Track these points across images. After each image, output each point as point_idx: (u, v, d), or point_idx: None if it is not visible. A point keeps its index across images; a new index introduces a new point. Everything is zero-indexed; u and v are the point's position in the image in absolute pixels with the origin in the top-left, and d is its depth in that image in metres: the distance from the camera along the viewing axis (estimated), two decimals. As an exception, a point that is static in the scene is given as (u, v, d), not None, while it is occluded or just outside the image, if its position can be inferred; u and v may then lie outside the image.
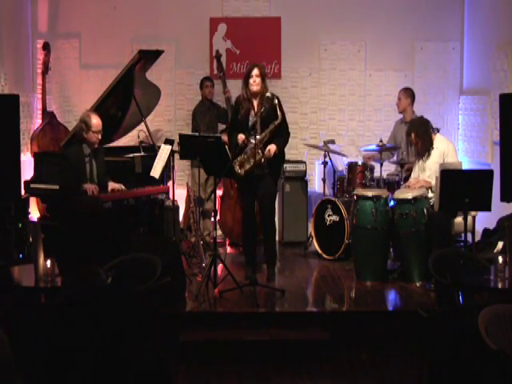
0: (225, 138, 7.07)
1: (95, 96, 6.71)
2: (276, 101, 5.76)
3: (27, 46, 7.82)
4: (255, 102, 5.87)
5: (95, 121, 5.85)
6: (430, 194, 6.04)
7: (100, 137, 5.91)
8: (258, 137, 5.74)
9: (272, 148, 5.78)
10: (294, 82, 8.06)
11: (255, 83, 5.82)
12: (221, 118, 7.56)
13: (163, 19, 7.94)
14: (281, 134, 5.87)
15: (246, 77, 5.88)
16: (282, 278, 6.22)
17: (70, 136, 6.59)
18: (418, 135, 6.09)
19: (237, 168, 5.80)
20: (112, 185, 5.97)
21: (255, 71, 5.83)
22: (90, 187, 5.76)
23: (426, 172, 6.14)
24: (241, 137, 5.82)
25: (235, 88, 7.69)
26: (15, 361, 3.17)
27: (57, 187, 6.10)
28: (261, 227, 6.27)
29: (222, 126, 7.60)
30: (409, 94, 7.23)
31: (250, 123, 5.83)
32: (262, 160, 5.78)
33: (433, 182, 5.95)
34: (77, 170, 5.83)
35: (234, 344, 5.03)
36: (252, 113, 5.86)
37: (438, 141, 6.15)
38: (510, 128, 5.17)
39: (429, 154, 6.10)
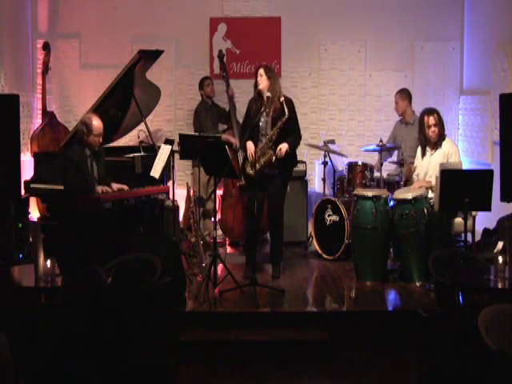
0: (225, 137, 7.09)
1: (95, 96, 6.72)
2: (283, 99, 5.74)
3: (27, 46, 7.82)
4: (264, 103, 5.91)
5: (96, 123, 5.83)
6: (430, 194, 6.03)
7: (101, 140, 5.90)
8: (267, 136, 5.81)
9: (284, 147, 5.77)
10: (294, 82, 8.05)
11: (260, 81, 5.87)
12: (221, 118, 7.56)
13: (163, 19, 7.94)
14: (292, 134, 5.88)
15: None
16: (282, 277, 6.20)
17: (70, 136, 6.59)
18: (440, 119, 6.06)
19: (248, 169, 5.82)
20: (115, 186, 5.96)
21: (260, 71, 5.89)
22: (106, 189, 5.78)
23: (429, 171, 6.13)
24: (251, 147, 5.79)
25: (235, 88, 7.70)
26: (15, 361, 3.17)
27: (57, 187, 6.10)
28: (268, 227, 6.28)
29: (222, 126, 7.60)
30: (405, 95, 7.18)
31: (261, 124, 5.88)
32: (273, 159, 5.75)
33: (433, 182, 5.94)
34: (80, 169, 5.83)
35: (233, 344, 5.03)
36: (263, 113, 5.86)
37: (445, 141, 6.14)
38: (510, 128, 5.17)
39: (438, 147, 6.08)
